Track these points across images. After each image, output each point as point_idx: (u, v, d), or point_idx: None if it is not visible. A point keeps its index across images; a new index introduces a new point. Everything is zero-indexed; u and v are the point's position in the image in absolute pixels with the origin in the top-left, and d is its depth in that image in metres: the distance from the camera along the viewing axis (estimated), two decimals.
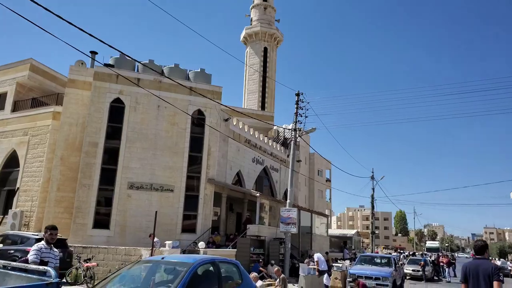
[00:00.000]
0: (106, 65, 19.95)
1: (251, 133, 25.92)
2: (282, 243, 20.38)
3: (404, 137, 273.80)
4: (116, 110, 20.10)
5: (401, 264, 28.32)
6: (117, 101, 20.16)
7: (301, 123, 20.91)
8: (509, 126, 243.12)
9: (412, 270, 24.79)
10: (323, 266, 14.22)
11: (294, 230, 19.40)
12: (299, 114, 20.98)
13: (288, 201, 20.12)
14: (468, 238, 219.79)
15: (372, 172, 38.54)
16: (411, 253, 39.94)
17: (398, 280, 15.93)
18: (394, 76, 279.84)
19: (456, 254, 63.10)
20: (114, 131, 19.95)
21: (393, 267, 15.49)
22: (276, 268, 13.14)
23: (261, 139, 27.28)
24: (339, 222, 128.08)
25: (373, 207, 37.32)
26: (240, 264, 7.07)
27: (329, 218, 71.98)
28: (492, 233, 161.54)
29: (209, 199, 20.86)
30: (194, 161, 21.00)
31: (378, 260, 16.98)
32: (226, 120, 22.88)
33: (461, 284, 5.24)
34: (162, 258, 6.30)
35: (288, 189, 20.42)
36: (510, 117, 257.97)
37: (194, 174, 20.86)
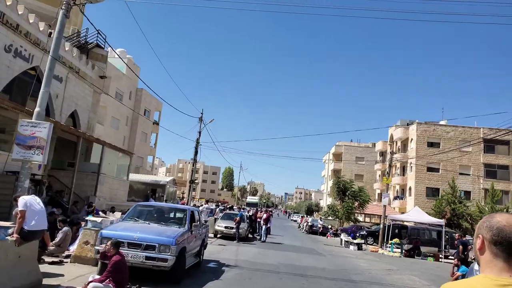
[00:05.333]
0: None
1: (9, 4, 15.60)
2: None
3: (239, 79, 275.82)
4: None
5: (215, 219, 23.29)
6: None
7: None
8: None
9: (225, 227, 19.84)
10: (34, 223, 6.67)
11: (39, 159, 11.12)
12: None
13: (37, 109, 11.56)
14: (282, 196, 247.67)
15: (202, 113, 32.47)
16: (229, 206, 36.34)
17: (195, 246, 9.79)
18: None
19: (271, 210, 65.77)
20: None
21: (187, 227, 9.12)
22: None
23: (31, 21, 17.14)
24: (168, 174, 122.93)
25: (196, 152, 31.54)
26: None
27: (153, 166, 64.87)
28: (301, 193, 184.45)
29: None
30: None
31: (170, 215, 10.43)
32: None
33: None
34: None
35: (41, 91, 11.83)
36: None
37: None
